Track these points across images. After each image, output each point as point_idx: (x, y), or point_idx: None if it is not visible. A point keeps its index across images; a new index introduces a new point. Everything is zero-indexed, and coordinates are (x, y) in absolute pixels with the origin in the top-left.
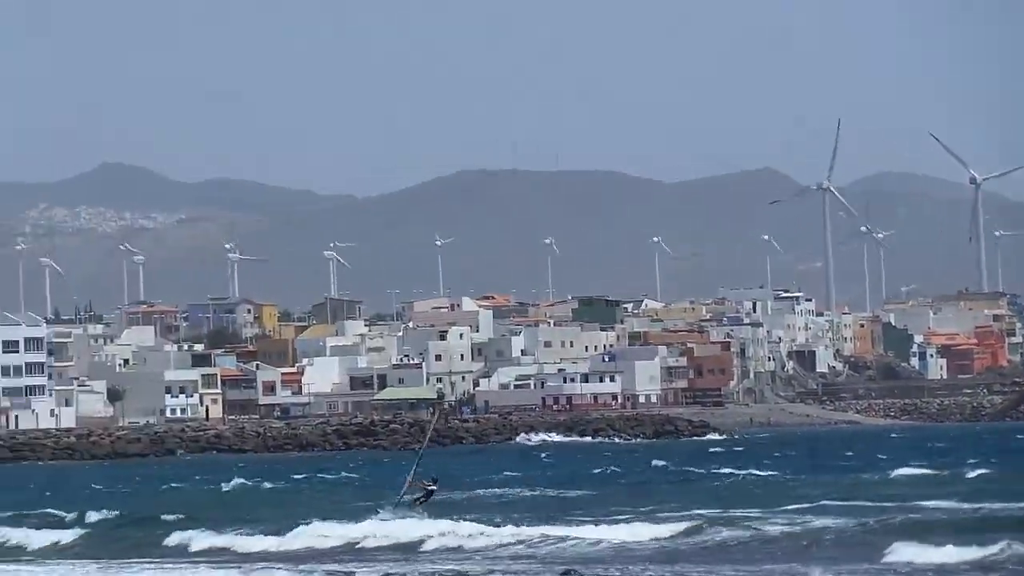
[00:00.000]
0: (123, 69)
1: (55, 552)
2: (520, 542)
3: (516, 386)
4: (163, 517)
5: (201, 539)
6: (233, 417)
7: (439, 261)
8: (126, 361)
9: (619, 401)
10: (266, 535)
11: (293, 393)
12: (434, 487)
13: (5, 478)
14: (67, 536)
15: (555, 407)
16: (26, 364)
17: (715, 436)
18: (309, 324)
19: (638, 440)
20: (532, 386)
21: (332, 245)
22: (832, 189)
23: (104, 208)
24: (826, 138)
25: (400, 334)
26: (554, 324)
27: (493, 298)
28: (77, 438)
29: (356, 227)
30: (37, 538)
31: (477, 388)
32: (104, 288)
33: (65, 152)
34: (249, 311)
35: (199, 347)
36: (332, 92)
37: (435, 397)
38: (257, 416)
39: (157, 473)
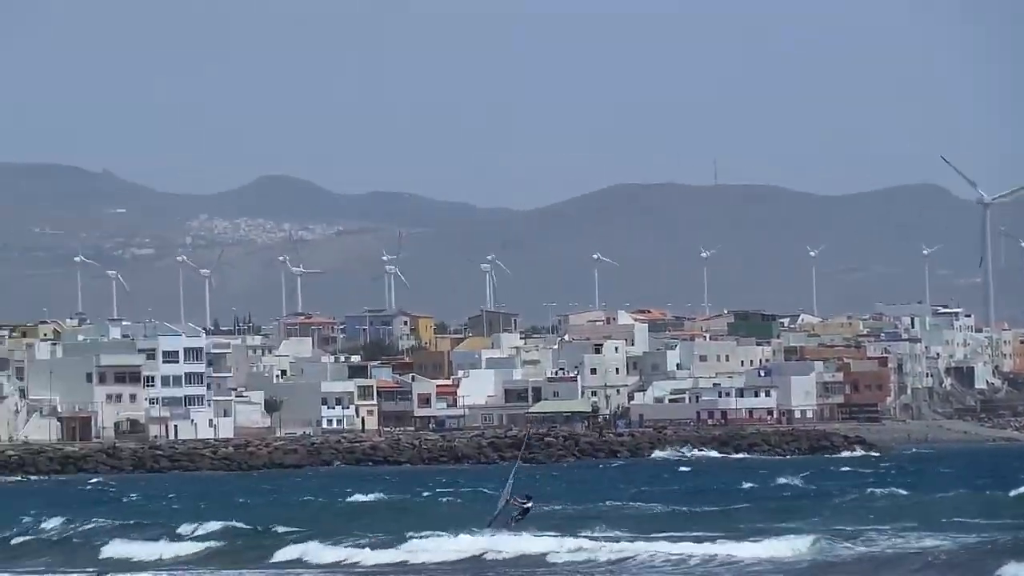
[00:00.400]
0: (285, 83)
1: (162, 565)
2: (626, 558)
3: (671, 400)
4: (276, 529)
5: (316, 552)
6: (388, 429)
7: (595, 274)
8: (284, 372)
9: (774, 416)
10: (375, 548)
11: (448, 405)
12: (529, 504)
13: (155, 487)
14: (174, 549)
15: (710, 421)
16: (186, 374)
17: (858, 452)
18: (465, 336)
19: (790, 456)
20: (687, 400)
21: (489, 258)
22: (992, 203)
23: (264, 220)
24: (984, 152)
25: (555, 347)
26: (710, 338)
27: (649, 312)
28: (235, 448)
29: (513, 240)
30: (146, 550)
31: (632, 402)
32: (263, 299)
33: (226, 164)
34: (405, 323)
35: (356, 359)
36: (489, 107)
37: (590, 411)
38: (412, 428)
39: (304, 484)
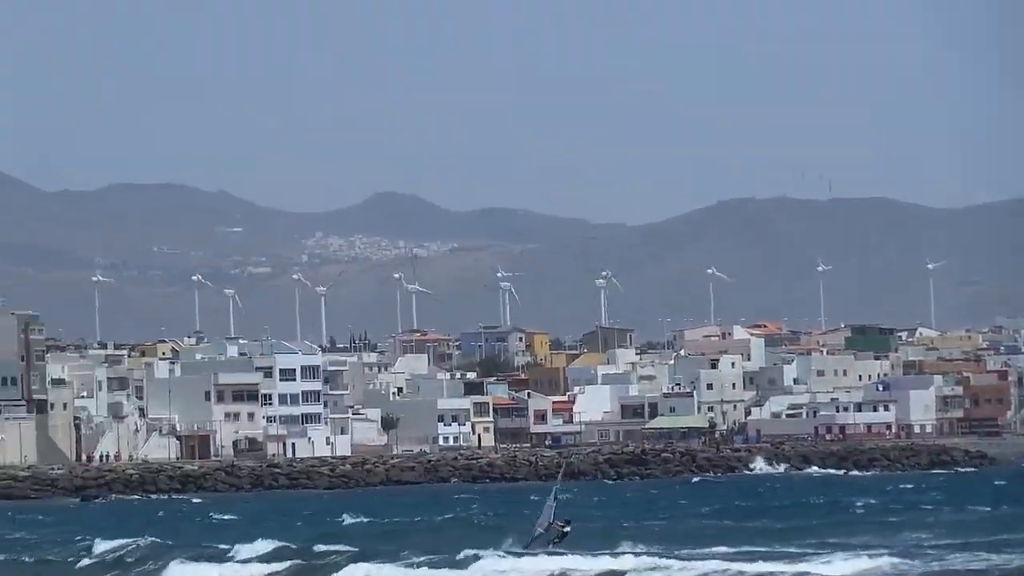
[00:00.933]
0: (398, 101)
1: None
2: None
3: (788, 415)
4: (317, 547)
5: (381, 571)
6: (505, 446)
7: (710, 289)
8: (400, 389)
9: (893, 431)
10: (437, 567)
11: (564, 421)
12: (568, 528)
13: (243, 507)
14: (234, 570)
15: (828, 436)
16: (303, 392)
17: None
18: (580, 352)
19: (909, 471)
20: (804, 415)
21: (604, 273)
22: None
23: (379, 237)
24: None
25: (671, 363)
26: (827, 352)
27: (765, 326)
28: (352, 466)
29: (627, 255)
30: (182, 570)
31: (749, 417)
32: (378, 317)
33: (341, 183)
34: (521, 339)
35: (471, 375)
36: (600, 122)
37: (707, 426)
38: (528, 444)
39: (414, 500)
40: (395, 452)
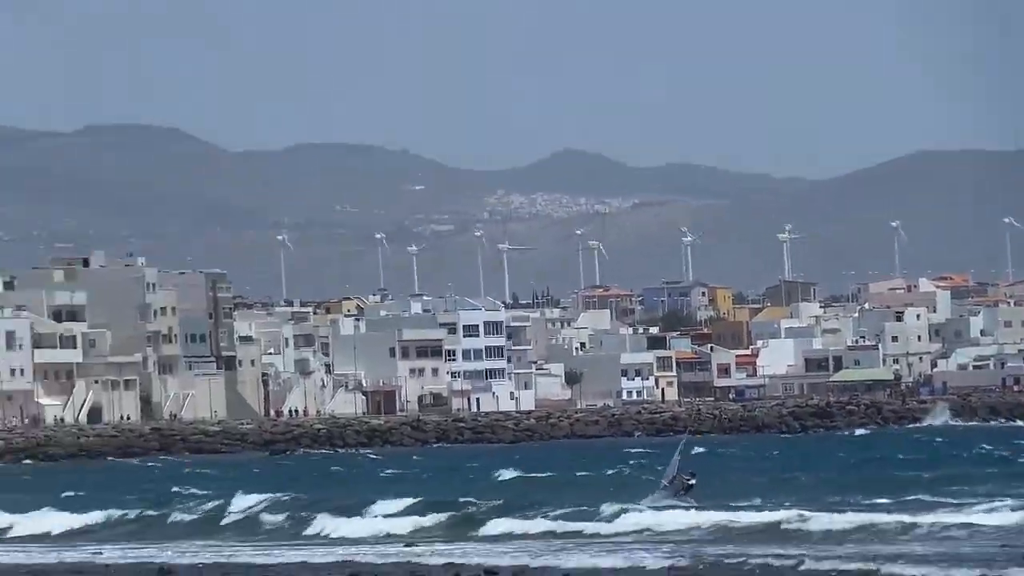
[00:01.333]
0: (580, 58)
1: (380, 540)
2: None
3: (975, 367)
4: (460, 501)
5: (521, 525)
6: (688, 399)
7: (895, 242)
8: (583, 344)
9: None
10: (579, 520)
11: (748, 375)
12: (693, 481)
13: (414, 463)
14: (378, 525)
15: (1016, 388)
16: (486, 348)
17: None
18: (763, 306)
19: None
20: (991, 367)
21: (787, 227)
22: None
23: (560, 194)
24: None
25: (855, 315)
26: (1014, 304)
27: (951, 278)
28: (536, 420)
29: (810, 209)
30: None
31: (935, 369)
32: (560, 273)
33: (522, 140)
34: (703, 294)
35: (654, 330)
36: (784, 75)
37: (892, 378)
38: (712, 398)
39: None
40: (579, 406)
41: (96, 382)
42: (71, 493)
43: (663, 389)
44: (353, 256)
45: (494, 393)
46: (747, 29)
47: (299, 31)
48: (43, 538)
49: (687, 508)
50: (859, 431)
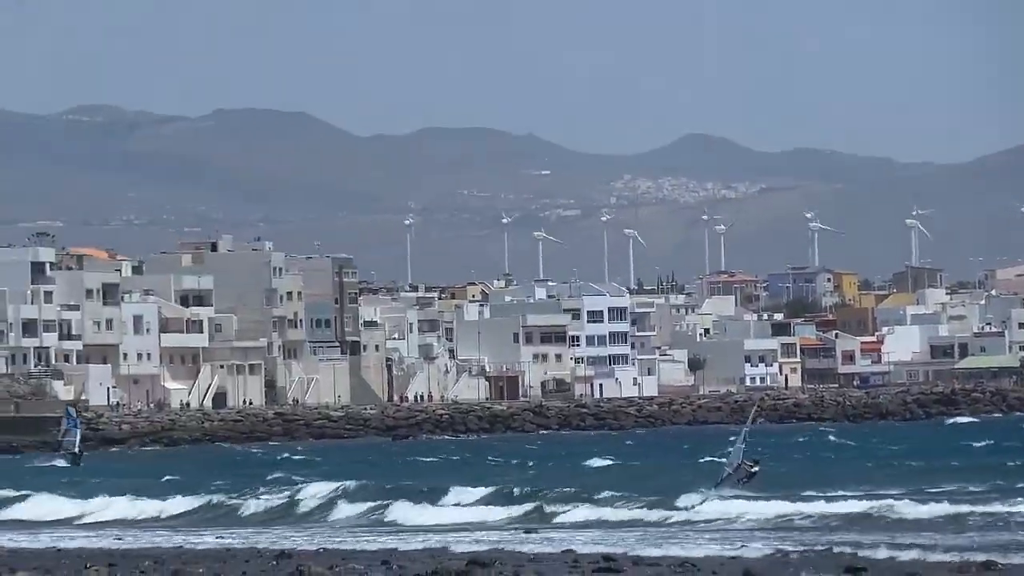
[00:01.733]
0: (706, 43)
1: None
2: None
3: None
4: (540, 492)
5: (597, 514)
6: (812, 386)
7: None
8: (707, 331)
9: None
10: (657, 508)
11: (872, 362)
12: (756, 468)
13: (519, 449)
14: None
15: None
16: (610, 334)
17: None
18: (889, 293)
19: None
20: None
21: (913, 213)
22: None
23: (686, 179)
24: None
25: (982, 302)
26: None
27: None
28: (659, 406)
29: (936, 194)
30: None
31: None
32: (686, 258)
33: (648, 125)
34: (829, 280)
35: (778, 316)
36: (908, 59)
37: (1018, 365)
38: (836, 385)
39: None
40: (702, 392)
41: (221, 367)
42: (170, 477)
43: (787, 376)
44: (478, 241)
45: (617, 379)
46: (874, 8)
47: (427, 13)
48: (120, 523)
49: (752, 497)
50: (962, 419)
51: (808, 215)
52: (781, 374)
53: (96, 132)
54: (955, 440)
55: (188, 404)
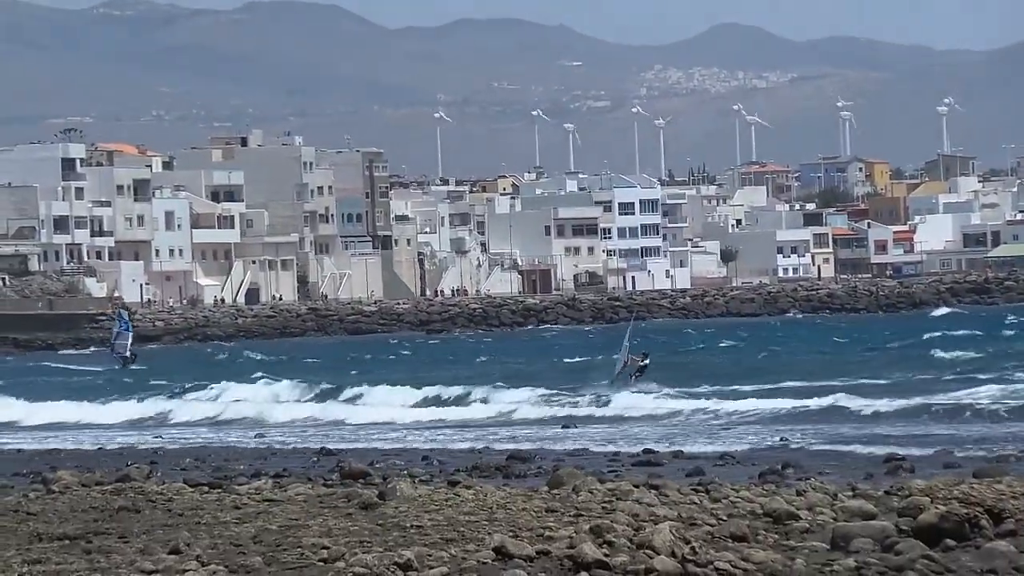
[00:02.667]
0: None
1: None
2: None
3: None
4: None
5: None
6: (844, 276)
7: None
8: (739, 222)
9: None
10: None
11: (905, 252)
12: (646, 362)
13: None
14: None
15: None
16: (642, 226)
17: None
18: (921, 181)
19: None
20: None
21: (946, 101)
22: None
23: (718, 69)
24: None
25: (1015, 190)
26: None
27: None
28: (692, 298)
29: (971, 81)
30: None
31: None
32: (717, 149)
33: (680, 13)
34: (860, 169)
35: (810, 206)
36: None
37: None
38: (869, 275)
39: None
40: (734, 284)
41: (253, 262)
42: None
43: (819, 266)
44: (510, 133)
45: (649, 271)
46: None
47: None
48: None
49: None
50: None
51: (839, 104)
52: (814, 265)
53: (126, 26)
54: (916, 332)
55: (223, 300)
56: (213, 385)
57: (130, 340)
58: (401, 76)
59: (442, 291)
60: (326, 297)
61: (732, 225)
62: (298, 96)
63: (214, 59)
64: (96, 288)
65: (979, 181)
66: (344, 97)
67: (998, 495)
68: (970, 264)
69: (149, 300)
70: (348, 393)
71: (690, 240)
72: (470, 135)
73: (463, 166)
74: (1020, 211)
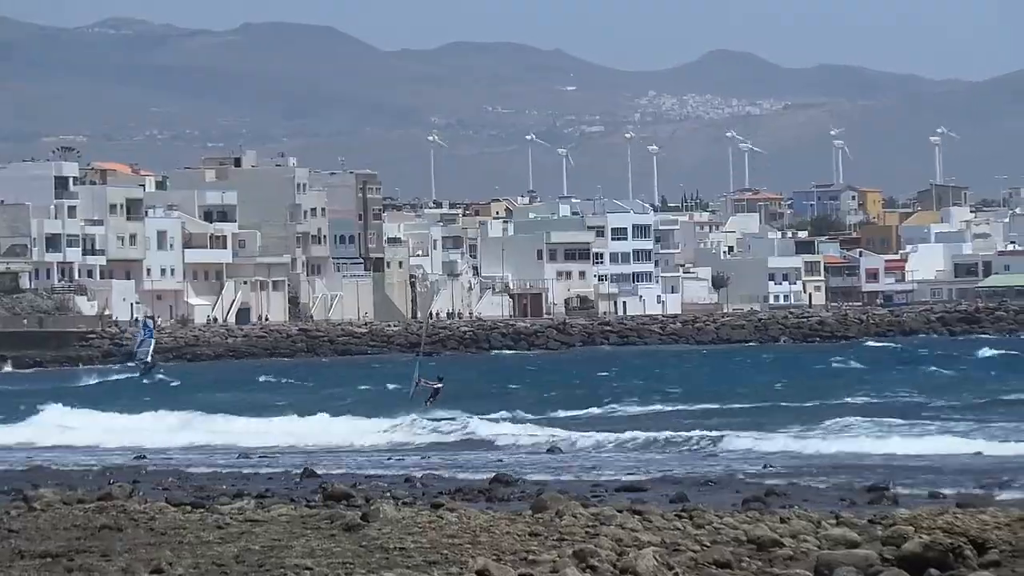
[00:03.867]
0: None
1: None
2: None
3: None
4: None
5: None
6: (835, 304)
7: None
8: (731, 248)
9: None
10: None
11: (896, 280)
12: (440, 385)
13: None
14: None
15: None
16: (634, 251)
17: None
18: (914, 211)
19: None
20: None
21: (939, 130)
22: None
23: (711, 95)
24: None
25: (1007, 220)
26: None
27: None
28: (682, 324)
29: (964, 111)
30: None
31: None
32: (710, 176)
33: (676, 40)
34: (853, 198)
35: (803, 234)
36: None
37: None
38: (859, 303)
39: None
40: (725, 310)
41: (245, 283)
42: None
43: (810, 294)
44: (503, 157)
45: (640, 296)
46: None
47: None
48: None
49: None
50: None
51: (832, 132)
52: (805, 292)
53: (122, 46)
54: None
55: (215, 320)
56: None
57: (151, 347)
58: (396, 98)
59: (437, 313)
60: (312, 318)
61: (724, 252)
62: (293, 117)
63: (209, 79)
64: (87, 306)
65: (971, 211)
66: (339, 119)
67: (982, 525)
68: (961, 294)
69: (136, 319)
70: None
71: (681, 266)
72: (464, 158)
73: (457, 189)
74: (1012, 242)
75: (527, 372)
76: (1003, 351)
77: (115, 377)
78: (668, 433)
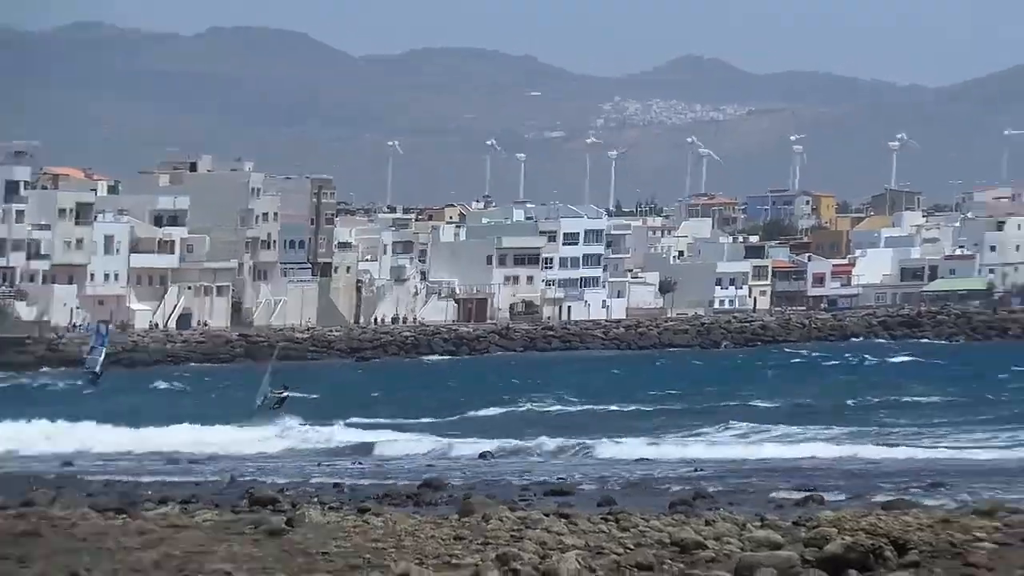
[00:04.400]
0: None
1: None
2: None
3: None
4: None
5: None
6: (779, 308)
7: (1004, 151)
8: (681, 253)
9: None
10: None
11: (842, 285)
12: (285, 394)
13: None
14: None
15: None
16: (583, 256)
17: None
18: (866, 215)
19: None
20: None
21: (899, 136)
22: None
23: (676, 101)
24: None
25: (957, 224)
26: None
27: None
28: (625, 329)
29: (925, 117)
30: None
31: None
32: (670, 181)
33: (645, 44)
34: (807, 203)
35: (754, 239)
36: None
37: (984, 288)
38: (804, 307)
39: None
40: (669, 315)
41: (189, 288)
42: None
43: (755, 298)
44: (465, 163)
45: (586, 301)
46: None
47: None
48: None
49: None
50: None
51: (792, 138)
52: (750, 296)
53: (87, 49)
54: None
55: (156, 325)
56: None
57: (102, 356)
58: (360, 103)
59: (382, 319)
60: (251, 324)
61: (674, 256)
62: (257, 123)
63: (175, 83)
64: (26, 312)
65: (923, 216)
66: (302, 124)
67: (904, 526)
68: (905, 298)
69: (74, 325)
70: None
71: (630, 271)
72: (424, 164)
73: (416, 195)
74: (961, 246)
75: (433, 378)
76: (913, 357)
77: (55, 385)
78: (515, 441)
